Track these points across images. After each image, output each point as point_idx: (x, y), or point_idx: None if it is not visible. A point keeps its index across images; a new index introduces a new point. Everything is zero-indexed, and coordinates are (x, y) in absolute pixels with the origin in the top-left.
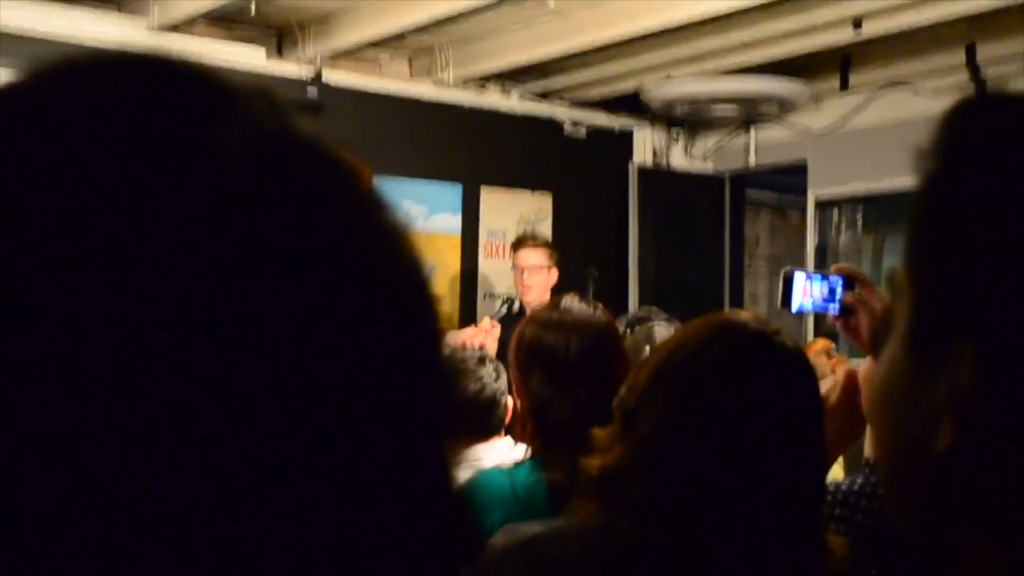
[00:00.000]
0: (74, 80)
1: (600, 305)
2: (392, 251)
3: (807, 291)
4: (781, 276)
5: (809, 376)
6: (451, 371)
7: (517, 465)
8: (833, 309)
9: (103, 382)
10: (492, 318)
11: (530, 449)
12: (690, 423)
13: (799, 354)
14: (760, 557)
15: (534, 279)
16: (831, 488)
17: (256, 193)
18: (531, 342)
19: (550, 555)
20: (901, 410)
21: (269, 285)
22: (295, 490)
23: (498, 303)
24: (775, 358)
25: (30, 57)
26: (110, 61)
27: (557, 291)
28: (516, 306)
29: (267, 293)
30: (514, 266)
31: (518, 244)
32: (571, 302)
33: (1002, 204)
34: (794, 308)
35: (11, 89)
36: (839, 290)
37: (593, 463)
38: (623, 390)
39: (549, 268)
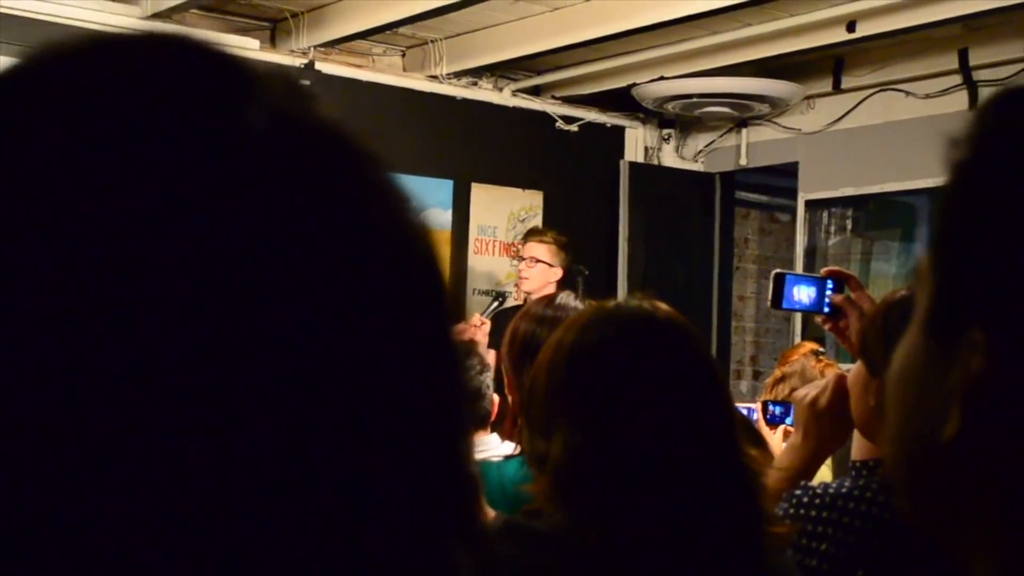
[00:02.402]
0: (93, 58)
1: (593, 303)
2: (409, 239)
3: (797, 292)
4: (772, 277)
5: (692, 341)
6: (464, 361)
7: (507, 460)
8: (823, 310)
9: (120, 364)
10: (481, 315)
11: (519, 445)
12: (597, 441)
13: (674, 322)
14: (696, 526)
15: (531, 271)
16: (819, 491)
17: (275, 174)
18: (524, 337)
19: (506, 556)
20: (914, 397)
21: (285, 269)
22: (310, 473)
23: (487, 300)
24: (653, 334)
25: (24, 39)
26: (129, 41)
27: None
28: (512, 299)
29: (283, 277)
30: (519, 256)
31: (527, 236)
32: (566, 299)
33: None
34: (784, 307)
35: (30, 66)
36: (829, 292)
37: (528, 489)
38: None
39: (551, 265)
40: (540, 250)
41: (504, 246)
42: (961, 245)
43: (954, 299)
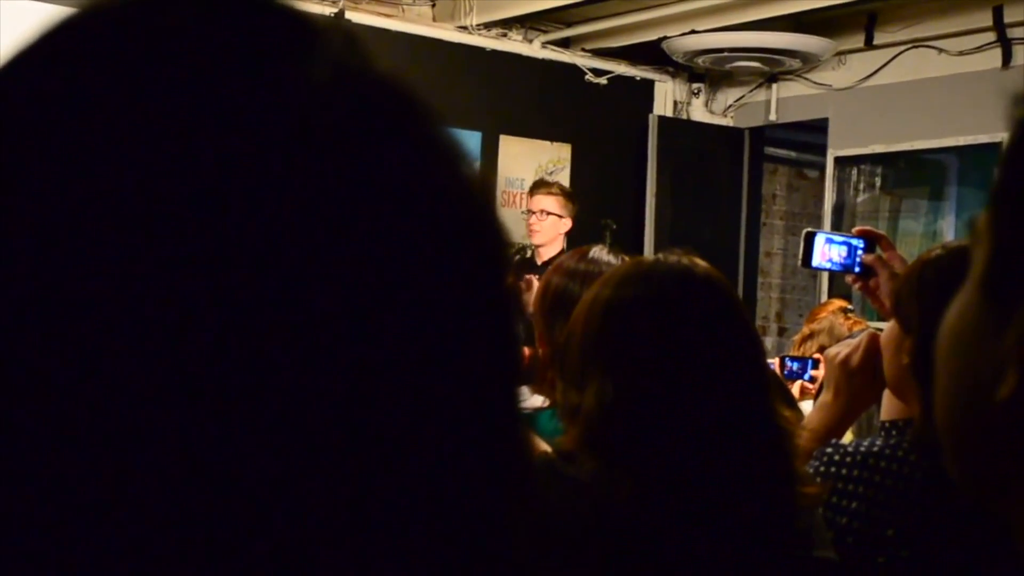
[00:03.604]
0: (155, 9)
1: (627, 258)
2: (466, 192)
3: (828, 251)
4: (803, 235)
5: (729, 298)
6: (519, 316)
7: (537, 412)
8: (853, 270)
9: (191, 316)
10: None
11: (549, 399)
12: (630, 395)
13: (712, 278)
14: (727, 492)
15: (541, 224)
16: (850, 449)
17: (338, 127)
18: (556, 291)
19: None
20: (967, 356)
21: (347, 220)
22: (366, 424)
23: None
24: (692, 290)
25: None
26: None
27: (572, 240)
28: (528, 253)
29: (345, 230)
30: (527, 210)
31: (533, 188)
32: (599, 253)
33: None
34: (814, 266)
35: (90, 15)
36: (860, 251)
37: (559, 442)
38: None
39: (560, 216)
40: (549, 202)
41: None
42: (1021, 204)
43: (1012, 260)
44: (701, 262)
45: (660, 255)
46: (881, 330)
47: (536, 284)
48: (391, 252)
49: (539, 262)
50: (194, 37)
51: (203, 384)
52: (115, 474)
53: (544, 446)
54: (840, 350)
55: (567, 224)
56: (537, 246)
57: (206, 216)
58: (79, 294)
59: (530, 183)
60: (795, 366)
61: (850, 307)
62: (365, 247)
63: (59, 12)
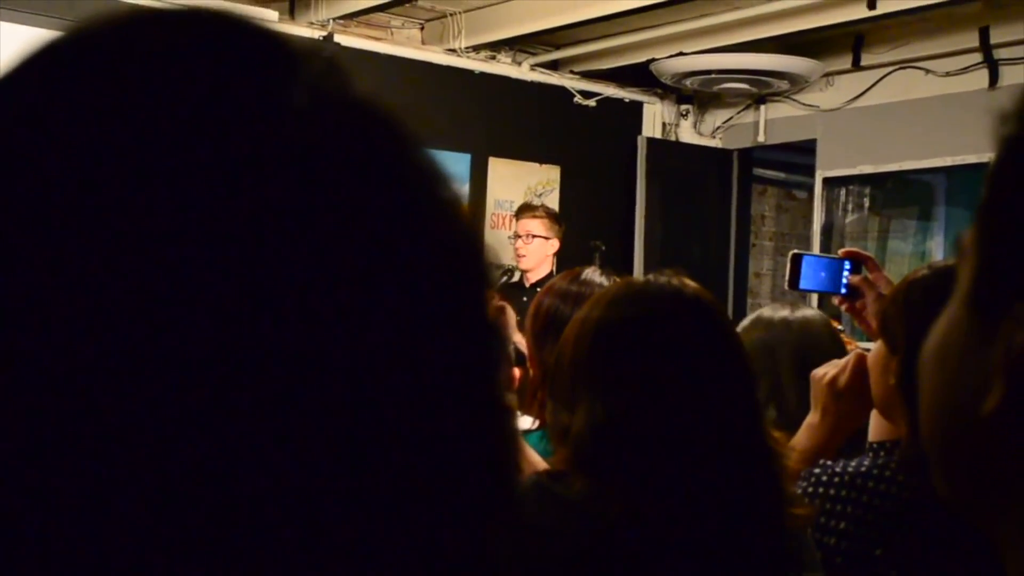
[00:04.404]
0: (133, 34)
1: (618, 279)
2: (447, 216)
3: (814, 272)
4: (789, 257)
5: (719, 319)
6: (502, 337)
7: (526, 434)
8: (840, 291)
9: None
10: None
11: (538, 420)
12: (620, 415)
13: (702, 299)
14: (715, 515)
15: (528, 248)
16: (837, 469)
17: (317, 152)
18: (548, 312)
19: (529, 517)
20: (953, 371)
21: (326, 246)
22: (353, 449)
23: (497, 274)
24: (679, 311)
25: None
26: (170, 16)
27: (561, 262)
28: (516, 275)
29: (325, 255)
30: (513, 234)
31: (518, 213)
32: (591, 275)
33: None
34: (801, 288)
35: (72, 41)
36: (846, 272)
37: (553, 462)
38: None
39: (547, 238)
40: (535, 225)
41: None
42: (1007, 219)
43: (998, 273)
44: (691, 283)
45: (650, 276)
46: (869, 350)
47: (510, 310)
48: (369, 274)
49: (527, 284)
50: (174, 62)
51: (199, 388)
52: (111, 475)
53: (541, 463)
54: (827, 370)
55: (554, 245)
56: (525, 270)
57: (187, 237)
58: (76, 303)
59: (519, 205)
60: None
61: (840, 327)
62: (342, 269)
63: (44, 35)
